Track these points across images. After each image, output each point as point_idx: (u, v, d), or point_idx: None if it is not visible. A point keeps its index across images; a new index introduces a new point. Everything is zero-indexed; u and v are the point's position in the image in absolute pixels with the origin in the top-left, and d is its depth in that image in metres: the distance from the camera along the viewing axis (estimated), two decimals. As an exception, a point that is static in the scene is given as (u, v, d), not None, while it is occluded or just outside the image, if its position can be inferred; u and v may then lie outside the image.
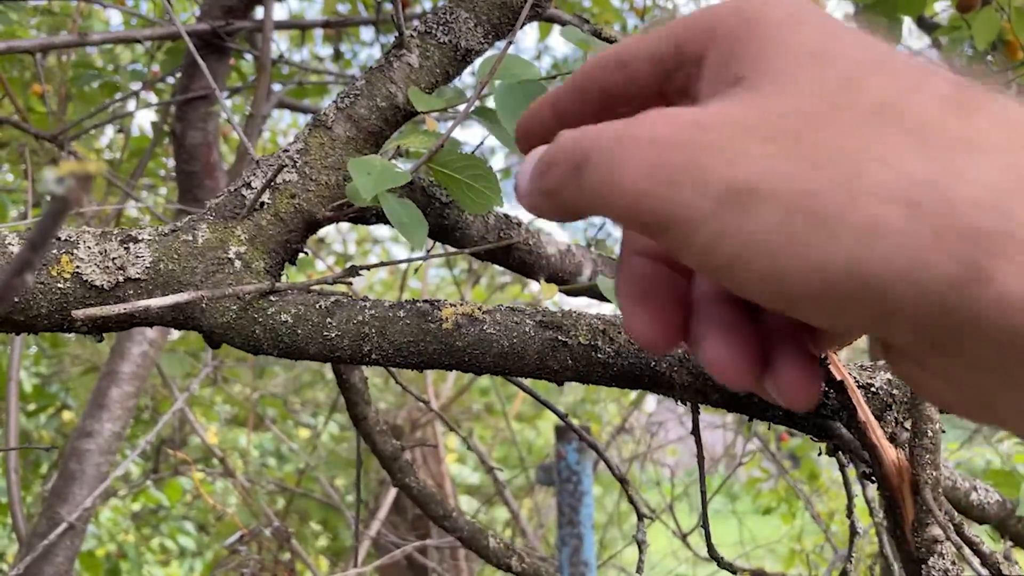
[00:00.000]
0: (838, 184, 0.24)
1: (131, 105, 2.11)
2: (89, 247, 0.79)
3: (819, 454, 0.72)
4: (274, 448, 4.29)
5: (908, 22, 2.37)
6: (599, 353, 0.74)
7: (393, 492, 2.73)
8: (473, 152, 0.90)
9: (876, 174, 0.24)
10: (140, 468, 4.03)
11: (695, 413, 0.76)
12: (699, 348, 0.33)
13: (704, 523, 0.79)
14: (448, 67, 0.90)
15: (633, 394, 4.36)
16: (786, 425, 0.72)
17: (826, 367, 0.67)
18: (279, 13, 2.26)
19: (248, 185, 0.83)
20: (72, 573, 1.57)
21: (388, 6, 2.20)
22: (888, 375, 0.71)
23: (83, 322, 0.76)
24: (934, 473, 0.60)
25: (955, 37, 2.03)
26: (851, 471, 1.07)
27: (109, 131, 2.98)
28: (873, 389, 0.70)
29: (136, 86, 2.04)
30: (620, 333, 0.74)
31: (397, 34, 0.87)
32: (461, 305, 0.76)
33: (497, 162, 4.44)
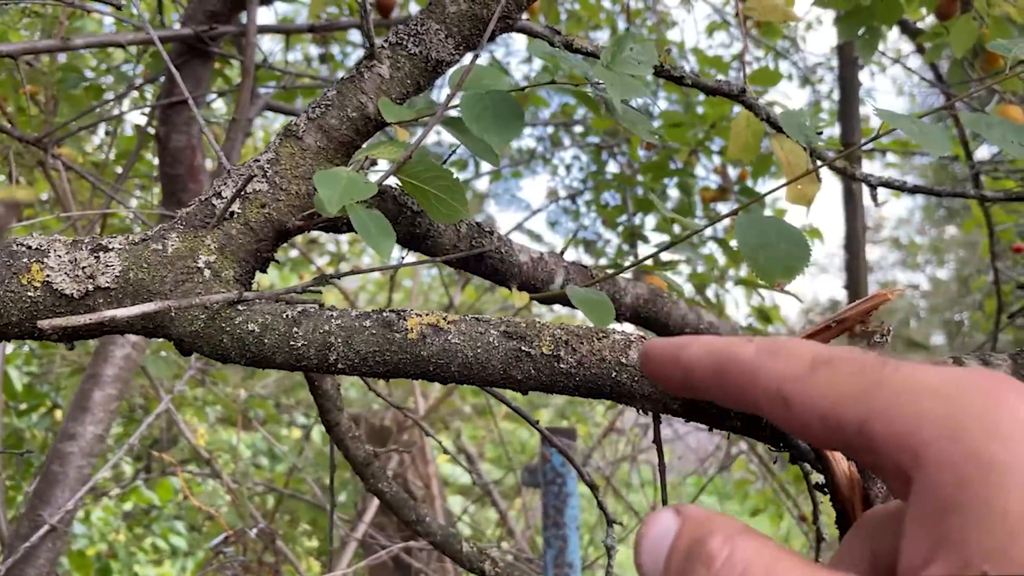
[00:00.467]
0: None
1: (118, 108, 2.12)
2: (59, 256, 0.80)
3: (774, 462, 0.73)
4: (266, 448, 4.30)
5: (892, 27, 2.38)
6: (561, 363, 0.75)
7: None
8: (443, 163, 0.91)
9: None
10: (132, 468, 4.04)
11: (656, 423, 0.77)
12: None
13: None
14: (419, 78, 0.90)
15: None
16: (744, 434, 0.73)
17: (782, 378, 0.68)
18: (267, 17, 2.26)
19: (218, 195, 0.84)
20: (55, 575, 1.58)
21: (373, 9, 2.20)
22: (844, 386, 0.72)
23: (51, 331, 0.77)
24: (884, 487, 0.61)
25: (938, 43, 2.04)
26: (815, 477, 1.08)
27: (102, 133, 2.98)
28: (829, 400, 0.71)
29: (128, 91, 2.05)
30: (583, 343, 0.75)
31: (368, 45, 0.88)
32: (427, 315, 0.77)
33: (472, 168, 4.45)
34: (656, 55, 0.88)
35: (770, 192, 0.90)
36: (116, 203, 1.82)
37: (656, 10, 3.75)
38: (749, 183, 2.71)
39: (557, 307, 1.09)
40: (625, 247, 2.67)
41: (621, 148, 3.01)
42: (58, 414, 3.79)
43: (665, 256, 2.44)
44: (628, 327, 1.11)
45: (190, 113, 1.74)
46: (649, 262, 1.03)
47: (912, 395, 0.27)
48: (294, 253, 3.74)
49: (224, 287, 0.80)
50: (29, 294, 0.78)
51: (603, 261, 3.58)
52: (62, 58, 2.33)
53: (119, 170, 2.24)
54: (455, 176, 0.79)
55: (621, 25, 3.56)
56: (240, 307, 0.78)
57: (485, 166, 4.09)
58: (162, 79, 1.86)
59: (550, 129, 4.43)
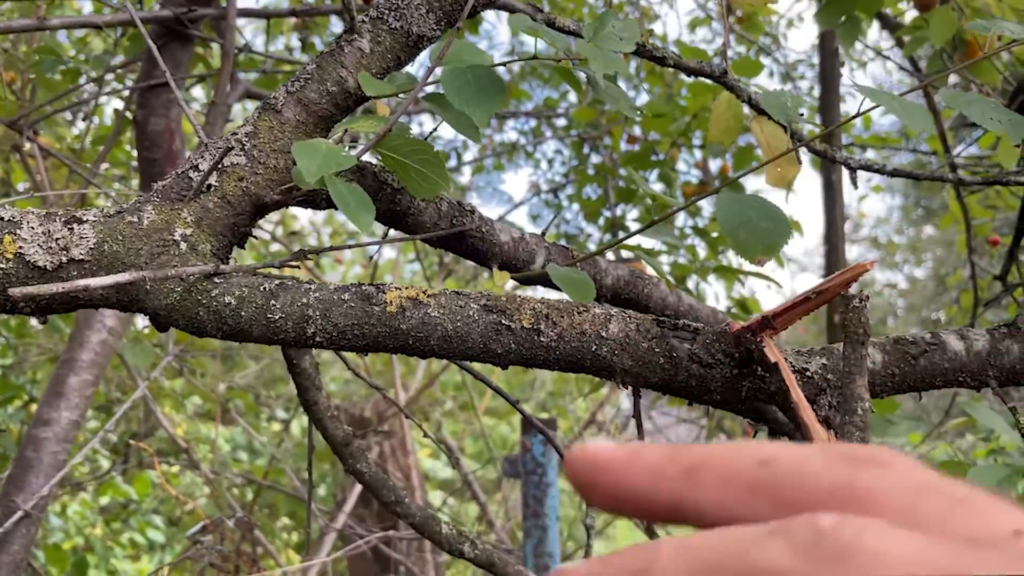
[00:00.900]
0: None
1: (96, 91, 2.09)
2: (32, 227, 0.79)
3: (753, 435, 0.73)
4: (246, 442, 4.27)
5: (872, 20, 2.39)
6: (542, 337, 0.75)
7: (360, 485, 2.73)
8: (426, 139, 0.90)
9: None
10: (110, 461, 4.00)
11: (636, 396, 0.77)
12: None
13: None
14: (400, 53, 0.90)
15: (604, 390, 4.38)
16: (723, 409, 0.73)
17: (761, 349, 0.68)
18: (248, 0, 2.23)
19: (195, 167, 0.83)
20: (28, 561, 1.56)
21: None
22: (823, 360, 0.72)
23: (24, 302, 0.76)
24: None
25: (917, 36, 2.06)
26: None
27: (80, 120, 2.95)
28: (808, 373, 0.71)
29: (105, 73, 2.03)
30: (563, 317, 0.75)
31: (348, 19, 0.87)
32: (406, 289, 0.77)
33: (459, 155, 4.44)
34: (638, 33, 0.88)
35: (751, 171, 0.90)
36: (94, 188, 1.80)
37: (639, 4, 3.75)
38: (731, 176, 2.72)
39: (540, 290, 1.09)
40: (607, 238, 2.67)
41: (603, 141, 3.01)
42: (35, 408, 3.74)
43: (647, 245, 2.44)
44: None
45: (169, 96, 1.72)
46: (631, 241, 1.03)
47: None
48: (276, 247, 3.72)
49: (201, 260, 0.79)
50: (1, 266, 0.76)
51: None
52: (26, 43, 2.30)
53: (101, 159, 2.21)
54: (435, 150, 0.78)
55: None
56: (217, 280, 0.77)
57: (468, 155, 4.08)
58: (140, 63, 1.84)
59: (533, 122, 4.43)
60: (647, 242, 2.37)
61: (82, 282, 0.70)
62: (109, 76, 2.17)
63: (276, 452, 2.83)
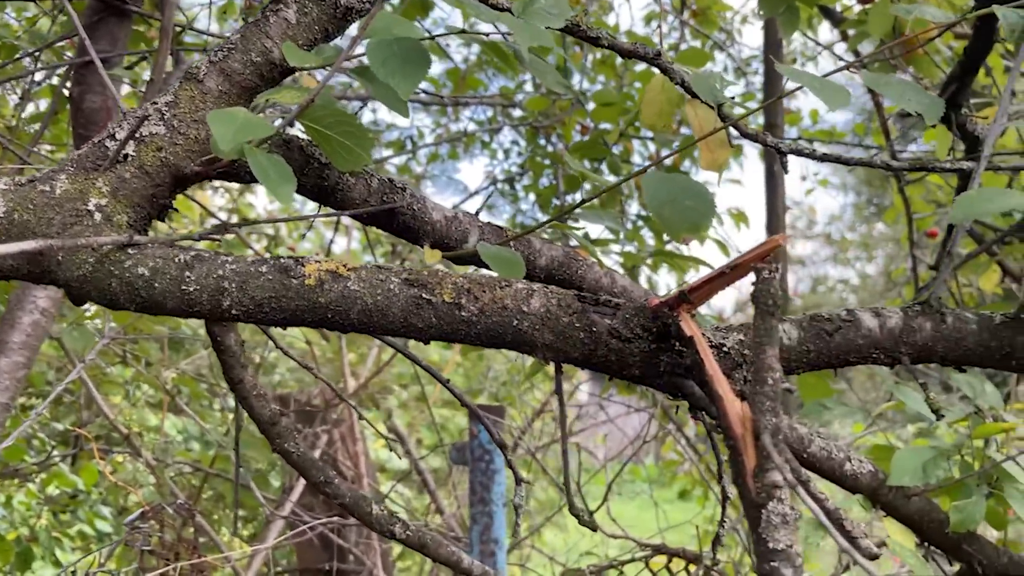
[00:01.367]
0: None
1: (35, 69, 2.04)
2: (-61, 195, 0.76)
3: (675, 411, 0.73)
4: (199, 432, 4.20)
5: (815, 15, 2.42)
6: (463, 311, 0.74)
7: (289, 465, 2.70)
8: (355, 113, 0.89)
9: None
10: (56, 450, 3.91)
11: (557, 373, 0.77)
12: None
13: (565, 480, 0.80)
14: (328, 24, 0.88)
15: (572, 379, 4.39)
16: (642, 384, 0.73)
17: (677, 324, 0.69)
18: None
19: (112, 136, 0.81)
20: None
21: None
22: (740, 336, 0.72)
23: (-74, 271, 0.73)
24: (774, 420, 0.62)
25: (861, 30, 2.09)
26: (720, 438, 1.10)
27: (15, 98, 2.86)
28: (725, 348, 0.71)
29: (41, 49, 1.97)
30: (484, 292, 0.75)
31: (274, -12, 0.85)
32: (326, 261, 0.75)
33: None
34: (569, 10, 0.88)
35: (680, 150, 0.90)
36: (30, 167, 1.75)
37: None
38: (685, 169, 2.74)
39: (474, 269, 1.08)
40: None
41: (556, 130, 3.01)
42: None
43: (594, 234, 2.43)
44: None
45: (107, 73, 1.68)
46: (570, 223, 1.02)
47: None
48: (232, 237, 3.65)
49: (116, 231, 0.77)
50: (-96, 234, 0.74)
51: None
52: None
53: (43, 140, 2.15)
54: (359, 122, 0.77)
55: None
56: (131, 251, 0.75)
57: (426, 144, 4.05)
58: (78, 38, 1.79)
59: (490, 112, 4.41)
60: (595, 229, 2.38)
61: (-16, 249, 0.68)
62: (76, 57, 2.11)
63: (222, 440, 2.80)
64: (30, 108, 2.97)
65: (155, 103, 0.83)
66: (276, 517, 2.53)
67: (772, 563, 0.60)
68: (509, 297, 0.74)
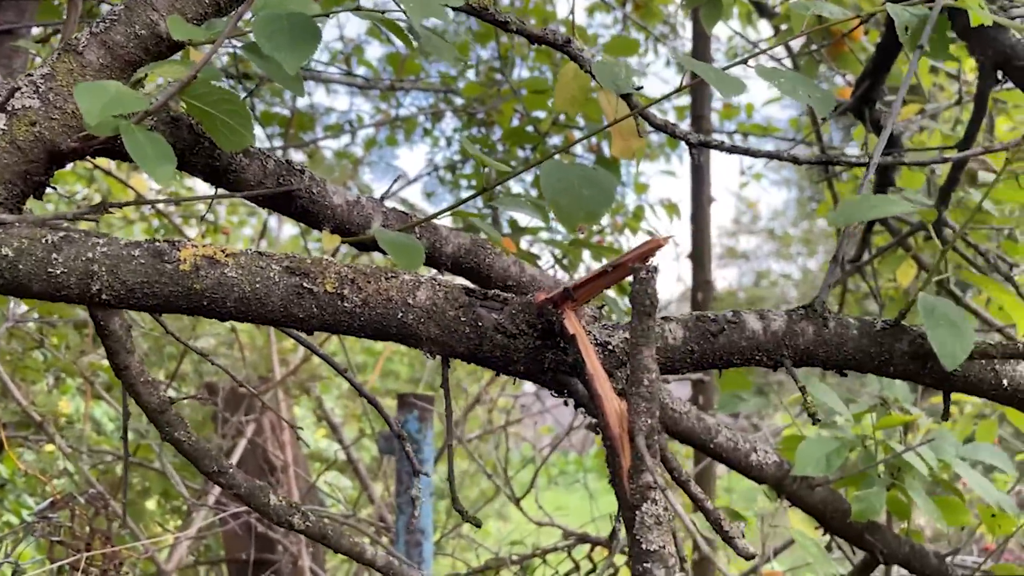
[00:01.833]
0: None
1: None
2: None
3: (565, 404, 0.72)
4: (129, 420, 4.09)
5: (750, 9, 2.43)
6: (346, 302, 0.72)
7: (234, 461, 2.64)
8: (247, 96, 0.86)
9: None
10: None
11: (444, 367, 0.75)
12: None
13: (450, 476, 0.79)
14: (219, -1, 0.85)
15: (504, 377, 4.37)
16: (527, 379, 0.72)
17: (561, 321, 0.67)
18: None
19: (-20, 109, 0.76)
20: None
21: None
22: (626, 334, 0.71)
23: None
24: (649, 421, 0.61)
25: (789, 27, 2.10)
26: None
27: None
28: (610, 347, 0.70)
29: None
30: (369, 282, 0.72)
31: (161, -41, 0.81)
32: (204, 247, 0.72)
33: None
34: (472, -8, 0.86)
35: (585, 137, 0.89)
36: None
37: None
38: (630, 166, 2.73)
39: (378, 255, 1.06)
40: (487, 211, 2.66)
41: (492, 117, 2.98)
42: None
43: (523, 222, 2.42)
44: (449, 278, 1.09)
45: (11, 45, 1.61)
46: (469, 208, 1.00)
47: None
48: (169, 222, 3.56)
49: (-18, 210, 0.73)
50: None
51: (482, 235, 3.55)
52: None
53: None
54: (242, 100, 0.74)
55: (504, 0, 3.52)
56: (-5, 230, 0.71)
57: (363, 131, 3.99)
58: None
59: (431, 99, 4.36)
60: (523, 219, 2.36)
61: None
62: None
63: (142, 427, 2.72)
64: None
65: (30, 75, 0.79)
66: (197, 507, 2.48)
67: (645, 564, 0.59)
68: (395, 288, 0.72)
